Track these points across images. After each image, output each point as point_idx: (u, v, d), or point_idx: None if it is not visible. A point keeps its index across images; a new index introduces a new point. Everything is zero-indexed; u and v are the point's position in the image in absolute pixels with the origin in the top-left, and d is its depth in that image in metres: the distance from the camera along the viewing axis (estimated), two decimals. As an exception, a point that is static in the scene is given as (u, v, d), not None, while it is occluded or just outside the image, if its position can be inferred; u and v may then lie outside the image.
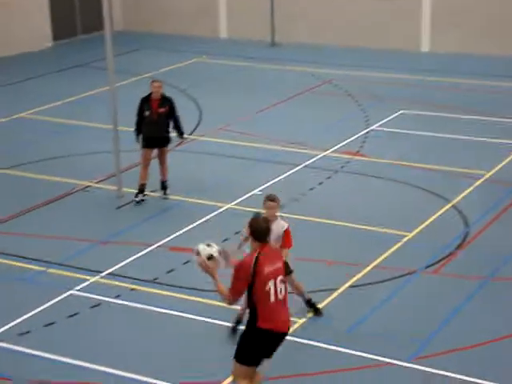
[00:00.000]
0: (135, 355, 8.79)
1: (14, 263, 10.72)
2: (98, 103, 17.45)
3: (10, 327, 9.23)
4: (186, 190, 13.03)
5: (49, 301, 9.77)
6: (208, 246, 7.23)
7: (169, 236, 11.46)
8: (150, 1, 25.01)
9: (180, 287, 10.11)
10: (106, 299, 9.84)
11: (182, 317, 9.46)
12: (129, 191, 12.84)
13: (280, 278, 7.14)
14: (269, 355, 7.30)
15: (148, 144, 12.50)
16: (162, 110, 12.36)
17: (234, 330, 8.98)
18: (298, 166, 14.10)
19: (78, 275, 10.39)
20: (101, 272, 10.46)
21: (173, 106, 12.48)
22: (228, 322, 9.27)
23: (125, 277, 10.36)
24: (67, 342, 8.99)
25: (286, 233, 8.84)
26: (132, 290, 10.07)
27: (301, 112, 17.22)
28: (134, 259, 10.85)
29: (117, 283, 10.22)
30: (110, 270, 10.51)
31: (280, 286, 7.13)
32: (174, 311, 9.59)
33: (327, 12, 23.08)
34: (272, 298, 7.07)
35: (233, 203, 12.58)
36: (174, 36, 24.28)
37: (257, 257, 7.04)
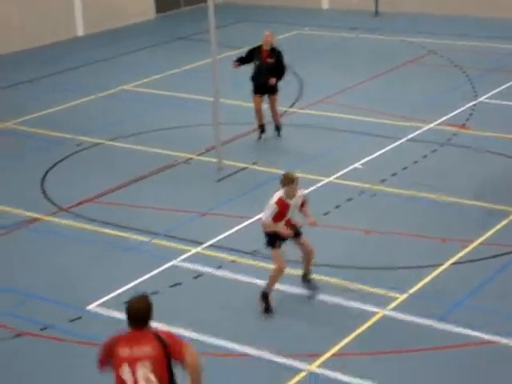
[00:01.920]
0: (235, 325, 8.85)
1: (120, 233, 10.94)
2: (199, 76, 17.55)
3: (116, 295, 9.44)
4: (287, 162, 12.97)
5: (152, 271, 9.94)
6: None
7: (269, 209, 11.43)
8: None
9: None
10: (208, 270, 9.94)
11: (280, 290, 9.44)
12: (229, 164, 12.89)
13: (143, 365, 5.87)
14: None
15: (257, 90, 13.54)
16: (270, 60, 13.38)
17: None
18: (401, 139, 13.81)
19: (180, 246, 10.52)
20: (202, 243, 10.56)
21: (280, 58, 13.43)
22: (327, 295, 9.22)
23: (225, 248, 10.43)
24: (170, 311, 9.13)
25: (303, 200, 9.05)
26: (232, 261, 10.13)
27: (405, 83, 16.85)
28: (234, 231, 10.90)
29: (218, 254, 10.30)
30: (210, 242, 10.60)
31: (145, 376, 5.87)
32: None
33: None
34: None
35: (333, 177, 12.45)
36: (275, 8, 24.13)
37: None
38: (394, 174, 12.44)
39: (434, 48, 19.17)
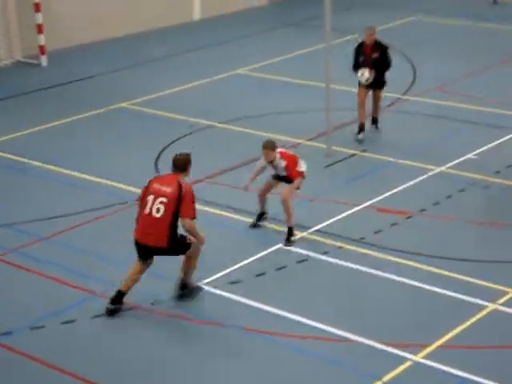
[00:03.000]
0: (338, 310, 8.86)
1: (228, 214, 11.09)
2: (312, 61, 17.53)
3: (223, 275, 9.60)
4: (398, 150, 12.82)
5: (260, 252, 10.05)
6: None
7: (377, 197, 11.36)
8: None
9: (386, 248, 10.02)
10: (314, 255, 9.96)
11: (386, 278, 9.38)
12: (338, 150, 12.85)
13: (160, 199, 8.40)
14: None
15: (362, 84, 13.22)
16: (375, 54, 13.03)
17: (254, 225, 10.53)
18: (516, 130, 13.43)
19: (284, 229, 10.58)
20: (309, 228, 10.59)
21: (385, 52, 13.11)
22: (435, 287, 9.11)
23: (332, 234, 10.42)
24: (275, 293, 9.21)
25: (287, 165, 10.11)
26: (339, 247, 10.12)
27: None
28: (342, 218, 10.88)
29: (324, 240, 10.31)
30: (317, 227, 10.61)
31: (157, 206, 8.41)
32: (378, 271, 9.53)
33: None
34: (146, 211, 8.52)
35: (445, 166, 12.23)
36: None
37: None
38: (509, 166, 12.10)
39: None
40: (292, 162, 10.25)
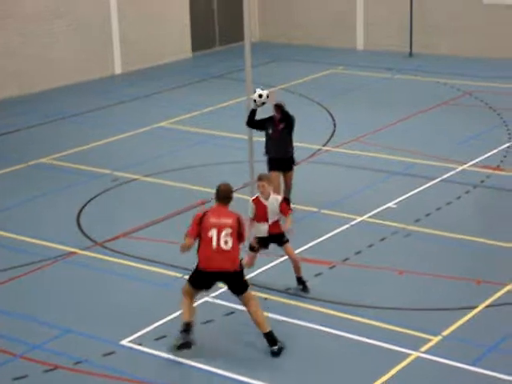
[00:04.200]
0: (266, 363, 8.82)
1: (153, 269, 10.99)
2: (233, 114, 17.72)
3: (150, 330, 9.44)
4: (318, 201, 13.00)
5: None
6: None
7: (301, 247, 11.46)
8: (286, 12, 25.21)
9: (312, 299, 10.08)
10: (240, 307, 9.90)
11: (310, 328, 9.41)
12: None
13: (225, 231, 8.74)
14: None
15: (274, 166, 12.29)
16: (281, 126, 12.12)
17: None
18: (434, 179, 13.79)
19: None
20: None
21: (288, 119, 12.15)
22: (359, 336, 9.18)
23: (257, 286, 10.42)
24: (201, 348, 9.13)
25: (281, 204, 9.92)
26: (265, 299, 10.12)
27: (439, 124, 16.86)
28: (266, 269, 10.90)
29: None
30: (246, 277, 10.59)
31: (225, 238, 8.75)
32: (304, 322, 9.57)
33: (465, 24, 22.53)
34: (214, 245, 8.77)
35: (366, 216, 12.45)
36: (310, 47, 24.36)
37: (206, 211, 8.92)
38: (427, 215, 12.40)
39: (469, 90, 19.19)
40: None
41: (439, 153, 15.03)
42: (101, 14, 21.69)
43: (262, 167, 13.82)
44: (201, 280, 9.01)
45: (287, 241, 10.18)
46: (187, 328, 8.97)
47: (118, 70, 22.29)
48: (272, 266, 10.98)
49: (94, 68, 21.60)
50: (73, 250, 11.63)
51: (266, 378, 8.55)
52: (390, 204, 12.84)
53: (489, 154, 14.82)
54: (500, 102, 18.03)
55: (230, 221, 8.83)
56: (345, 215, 12.47)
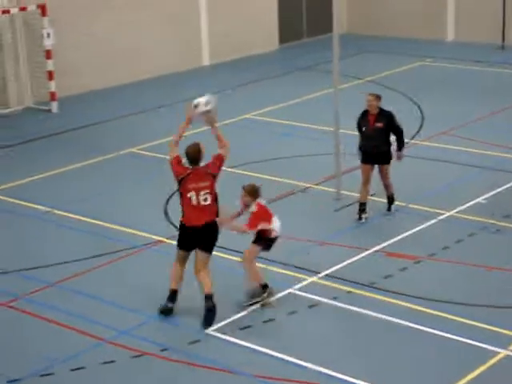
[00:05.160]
0: (347, 356, 8.78)
1: (235, 258, 11.08)
2: (321, 106, 17.64)
3: (233, 321, 9.55)
4: (407, 195, 12.81)
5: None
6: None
7: (386, 241, 11.34)
8: (376, 3, 24.93)
9: (396, 293, 9.97)
10: (324, 300, 9.91)
11: (396, 323, 9.31)
12: (347, 194, 12.87)
13: (204, 191, 9.43)
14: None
15: (366, 159, 12.04)
16: (379, 124, 11.81)
17: None
18: (525, 174, 13.44)
19: (297, 274, 10.55)
20: (319, 273, 10.55)
21: (391, 121, 11.84)
22: (447, 333, 9.03)
23: (342, 279, 10.38)
24: (286, 339, 9.15)
25: (252, 214, 9.78)
26: (348, 292, 10.07)
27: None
28: (351, 262, 10.85)
29: (334, 285, 10.27)
30: (327, 272, 10.58)
31: (204, 196, 9.42)
32: (388, 317, 9.47)
33: None
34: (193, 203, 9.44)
35: (454, 211, 12.22)
36: (398, 39, 24.02)
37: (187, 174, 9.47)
38: (519, 210, 12.09)
39: None
40: (260, 214, 9.76)
41: (531, 147, 14.62)
42: (190, 6, 21.92)
43: (348, 160, 13.75)
44: (184, 237, 9.60)
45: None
46: (171, 295, 9.59)
47: (206, 62, 22.49)
48: (356, 260, 10.90)
49: (184, 61, 21.83)
50: (160, 239, 11.81)
51: (355, 373, 8.48)
52: (479, 199, 12.56)
53: None
54: None
55: (207, 183, 9.47)
56: (433, 210, 12.26)
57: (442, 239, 11.30)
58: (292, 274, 10.54)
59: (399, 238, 11.48)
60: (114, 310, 9.93)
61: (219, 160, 9.60)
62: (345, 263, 10.79)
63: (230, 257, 11.04)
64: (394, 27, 24.43)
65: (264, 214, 9.84)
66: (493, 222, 11.78)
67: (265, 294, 9.84)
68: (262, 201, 9.92)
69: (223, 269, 10.63)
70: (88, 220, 12.53)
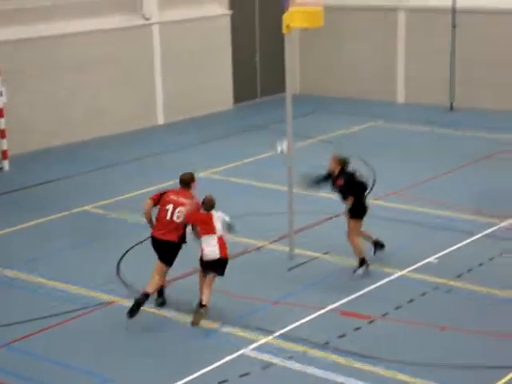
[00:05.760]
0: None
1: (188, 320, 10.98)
2: (274, 164, 17.76)
3: (185, 383, 9.40)
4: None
5: (221, 359, 9.89)
6: None
7: (340, 300, 11.36)
8: (328, 66, 25.41)
9: (350, 353, 9.95)
10: (278, 360, 9.84)
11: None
12: (300, 252, 12.90)
13: (179, 208, 10.71)
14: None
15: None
16: (340, 182, 12.27)
17: None
18: (476, 234, 13.63)
19: (250, 335, 10.48)
20: (273, 332, 10.49)
21: (349, 178, 12.26)
22: (400, 393, 9.02)
23: (297, 339, 10.33)
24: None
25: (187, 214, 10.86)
26: (304, 352, 10.02)
27: (480, 179, 16.72)
28: (305, 321, 10.82)
29: (289, 344, 10.21)
30: (281, 331, 10.53)
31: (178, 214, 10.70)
32: (339, 376, 9.43)
33: (506, 78, 22.49)
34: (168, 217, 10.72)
35: (406, 270, 12.31)
36: (350, 100, 24.45)
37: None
38: (469, 270, 12.23)
39: (510, 143, 19.05)
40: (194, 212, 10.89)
41: (481, 207, 14.86)
42: (145, 65, 22.08)
43: (301, 219, 13.82)
44: (153, 245, 10.89)
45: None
46: (143, 298, 10.61)
47: (160, 121, 22.59)
48: (311, 319, 10.88)
49: (139, 119, 21.89)
50: (112, 299, 11.64)
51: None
52: (430, 259, 12.70)
53: (532, 209, 14.64)
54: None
55: (186, 201, 10.74)
56: (384, 269, 12.35)
57: (395, 299, 11.36)
58: (244, 334, 10.45)
59: (353, 296, 11.51)
60: (64, 371, 9.71)
61: (193, 212, 10.83)
62: (299, 323, 10.75)
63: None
64: (346, 89, 24.87)
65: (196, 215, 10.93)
66: (444, 281, 11.90)
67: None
68: (215, 212, 11.05)
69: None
70: (39, 280, 12.33)
